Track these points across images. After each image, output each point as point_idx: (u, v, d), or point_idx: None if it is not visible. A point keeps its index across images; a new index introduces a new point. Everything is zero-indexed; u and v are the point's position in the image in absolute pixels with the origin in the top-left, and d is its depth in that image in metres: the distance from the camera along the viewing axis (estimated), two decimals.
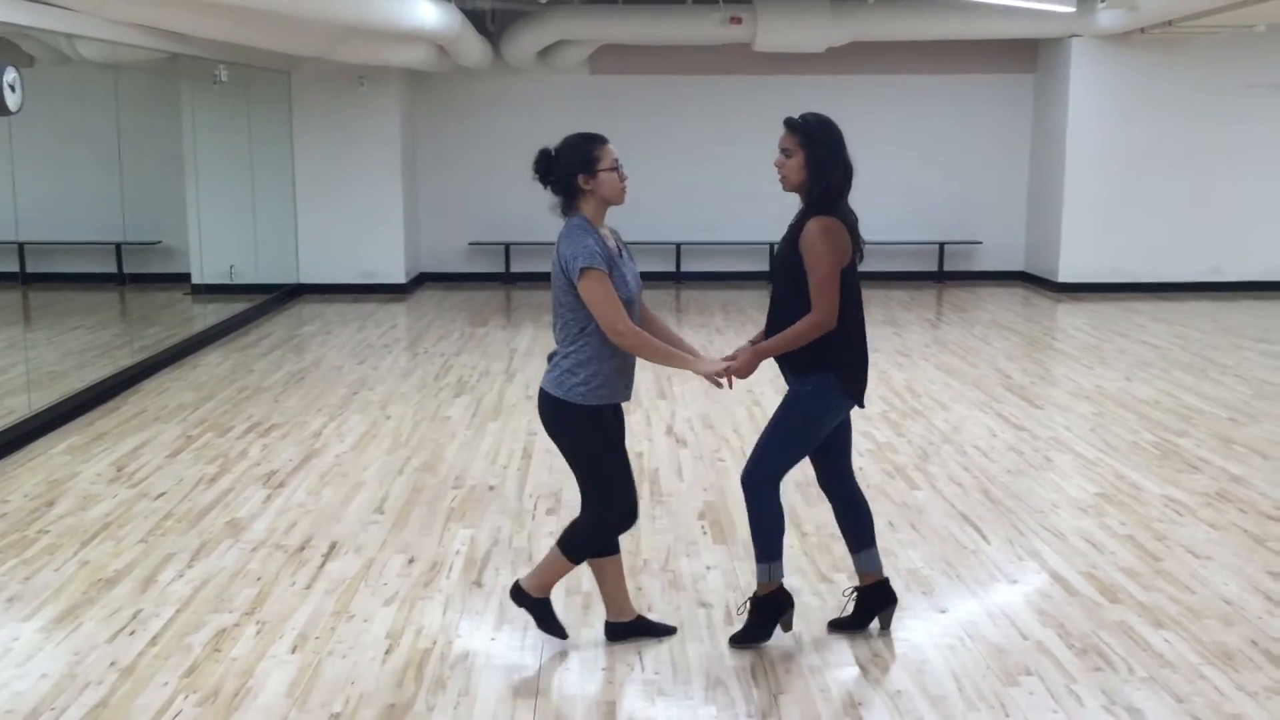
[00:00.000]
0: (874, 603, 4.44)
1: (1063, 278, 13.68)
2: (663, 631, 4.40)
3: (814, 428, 4.22)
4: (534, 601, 4.30)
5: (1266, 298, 13.31)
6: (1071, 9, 11.74)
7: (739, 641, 4.31)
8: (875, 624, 4.46)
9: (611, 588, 4.35)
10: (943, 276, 14.62)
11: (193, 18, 8.22)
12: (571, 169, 4.02)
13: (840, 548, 5.34)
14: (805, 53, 13.37)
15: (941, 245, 14.52)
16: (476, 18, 12.86)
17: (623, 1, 12.75)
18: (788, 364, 4.22)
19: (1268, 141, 13.52)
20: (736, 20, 12.69)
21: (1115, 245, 13.64)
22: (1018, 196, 14.62)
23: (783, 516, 4.30)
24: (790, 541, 5.13)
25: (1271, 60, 13.27)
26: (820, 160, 4.08)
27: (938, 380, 8.97)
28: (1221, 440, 7.23)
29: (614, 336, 3.97)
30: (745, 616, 4.35)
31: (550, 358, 4.15)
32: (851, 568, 4.55)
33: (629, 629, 4.36)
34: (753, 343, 4.29)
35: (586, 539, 4.22)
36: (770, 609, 4.31)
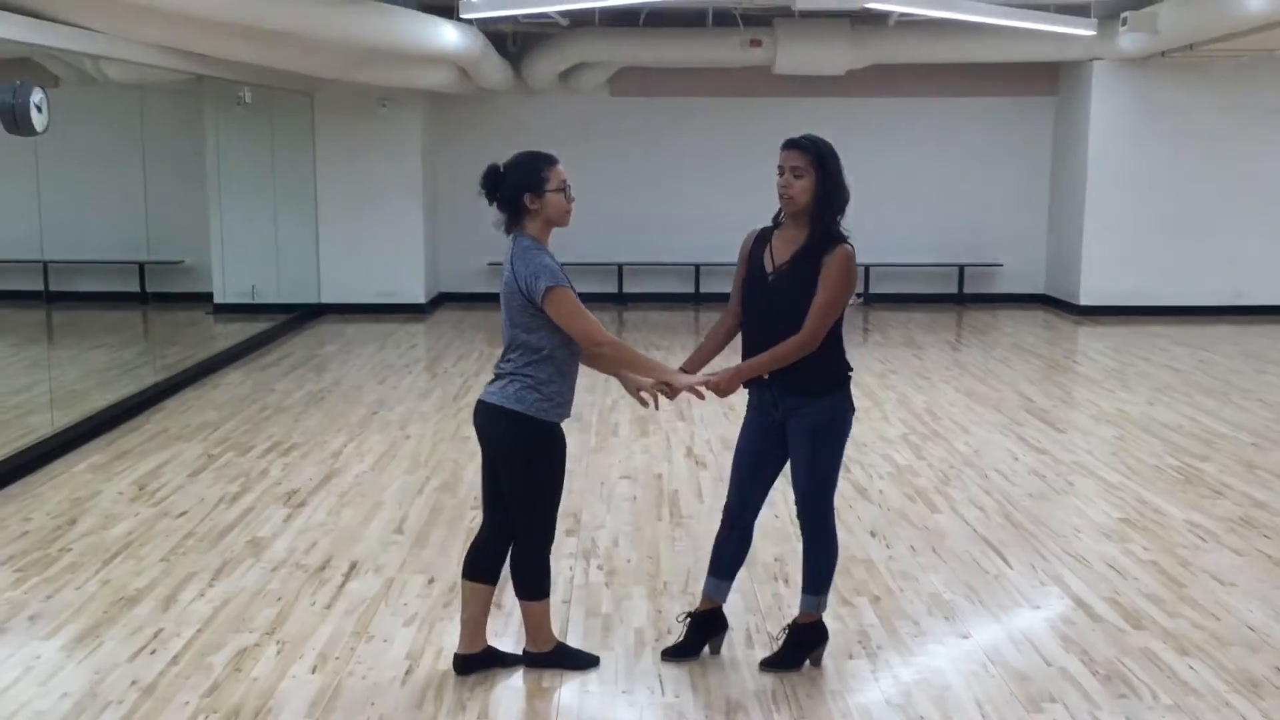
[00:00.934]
0: (710, 628, 4.44)
1: (1084, 300, 13.63)
2: (511, 661, 4.31)
3: (844, 444, 4.23)
4: (548, 655, 4.29)
5: None
6: (1092, 32, 11.71)
7: (775, 666, 4.30)
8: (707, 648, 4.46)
9: (473, 616, 4.25)
10: (963, 299, 14.58)
11: (217, 40, 8.29)
12: (519, 187, 3.97)
13: (861, 571, 5.33)
14: (825, 75, 13.39)
15: (962, 268, 14.49)
16: (498, 40, 12.93)
17: (643, 24, 12.80)
18: (791, 388, 4.12)
19: None
20: (757, 43, 12.72)
21: (1137, 268, 13.59)
22: (1038, 219, 14.59)
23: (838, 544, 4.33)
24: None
25: None
26: (831, 183, 4.06)
27: (958, 403, 8.94)
28: (1245, 465, 7.18)
29: (593, 348, 3.95)
30: (782, 641, 4.35)
31: (499, 376, 4.07)
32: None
33: (479, 661, 4.26)
34: (684, 369, 4.25)
35: (538, 568, 4.17)
36: (813, 638, 4.32)
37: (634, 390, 4.31)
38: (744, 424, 4.35)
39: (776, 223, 4.23)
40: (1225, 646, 4.53)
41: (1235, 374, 10.16)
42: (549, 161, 4.01)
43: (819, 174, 4.04)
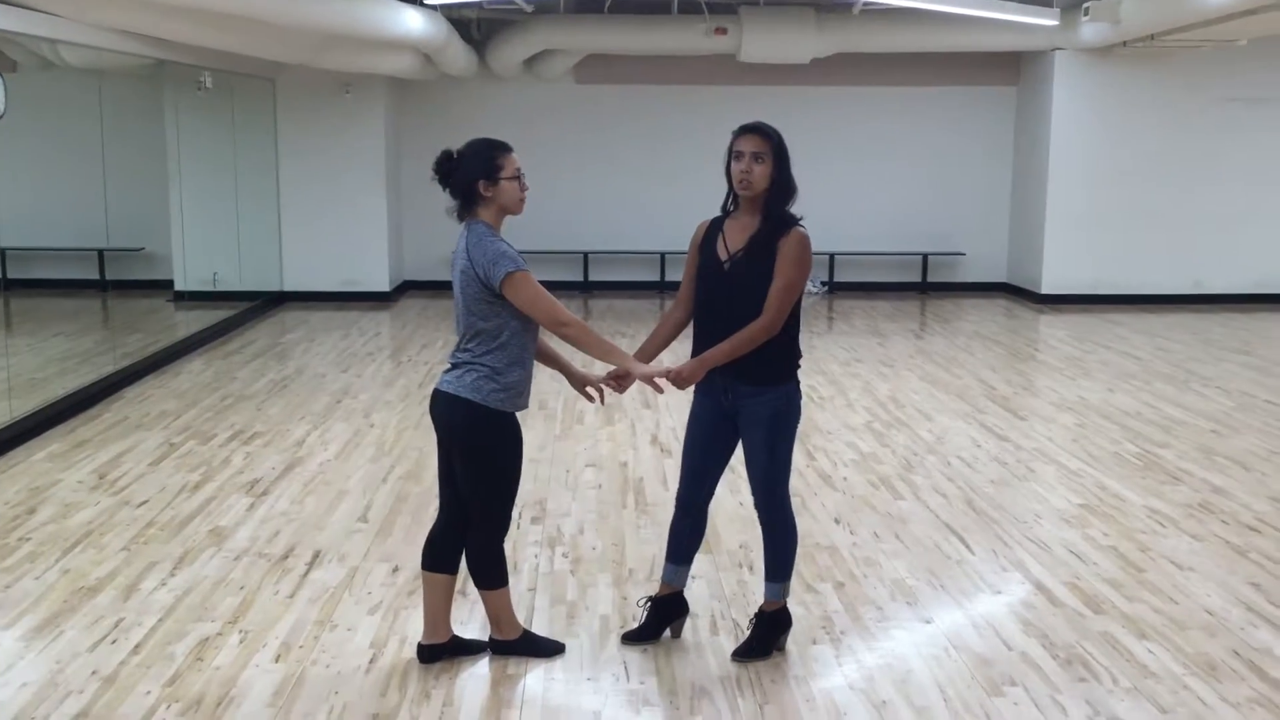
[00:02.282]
0: (670, 612, 4.46)
1: (1045, 289, 13.74)
2: (476, 649, 4.31)
3: (795, 432, 4.25)
4: (513, 642, 4.28)
5: (1247, 310, 13.40)
6: (1055, 22, 11.80)
7: (746, 656, 4.31)
8: (668, 632, 4.48)
9: (434, 606, 4.24)
10: (926, 287, 14.67)
11: (177, 24, 8.19)
12: (473, 174, 3.95)
13: (825, 557, 5.36)
14: (791, 64, 13.41)
15: (925, 256, 14.57)
16: (462, 26, 12.87)
17: (609, 11, 12.76)
18: (744, 376, 4.11)
19: (1248, 155, 13.62)
20: (722, 31, 12.72)
21: (1097, 257, 13.71)
22: (1001, 208, 14.69)
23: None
24: None
25: (1252, 75, 13.38)
26: (787, 170, 4.08)
27: (921, 391, 8.99)
28: (1203, 452, 7.26)
29: (557, 329, 3.94)
30: (752, 631, 4.37)
31: (455, 365, 4.06)
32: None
33: (444, 650, 4.26)
34: (639, 357, 4.23)
35: (494, 557, 4.16)
36: (781, 623, 4.36)
37: (580, 385, 4.33)
38: (692, 411, 4.34)
39: (726, 211, 4.24)
40: (1183, 630, 4.59)
41: (1194, 361, 10.28)
42: (503, 149, 3.99)
43: (776, 160, 4.05)
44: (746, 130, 4.08)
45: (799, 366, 4.22)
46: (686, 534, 4.42)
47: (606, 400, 4.41)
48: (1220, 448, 7.36)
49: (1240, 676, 4.18)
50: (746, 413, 4.16)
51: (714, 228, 4.24)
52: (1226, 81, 13.40)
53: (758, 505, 4.29)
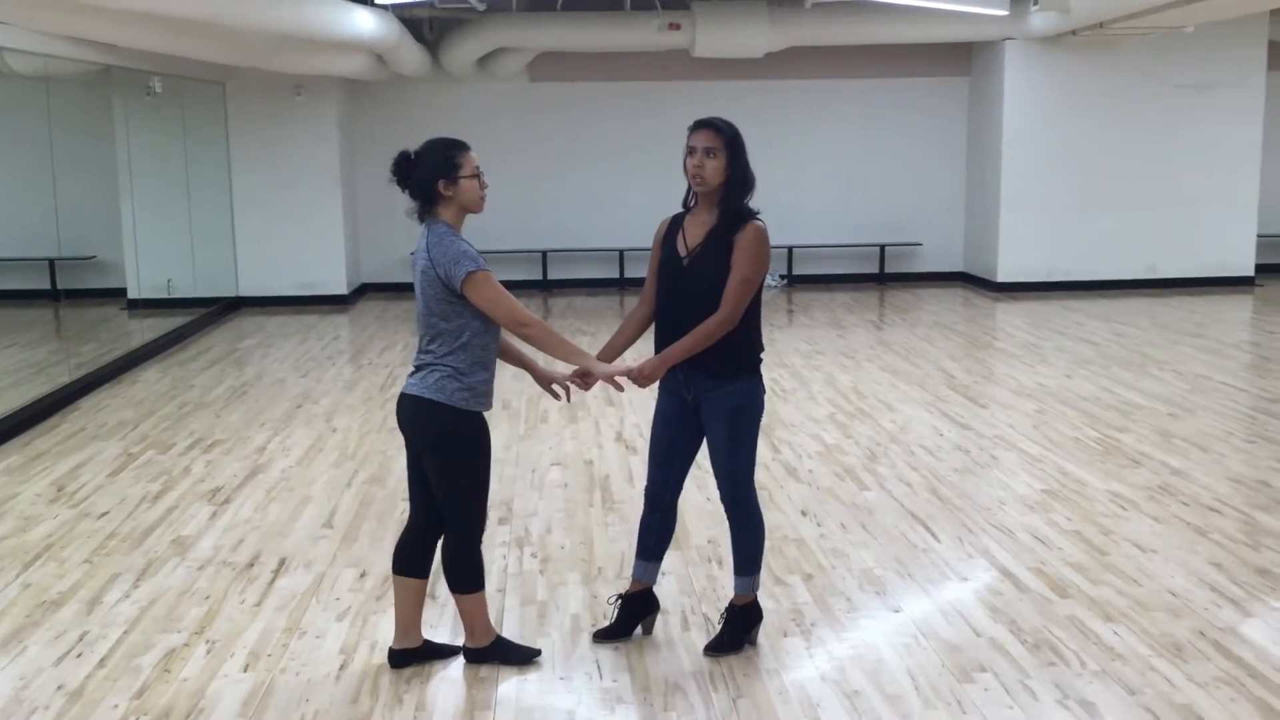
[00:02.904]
0: (641, 609, 4.47)
1: (1001, 277, 13.86)
2: (448, 653, 4.30)
3: (758, 425, 4.25)
4: (488, 648, 4.25)
5: (1201, 294, 13.58)
6: (1005, 12, 11.89)
7: (718, 650, 4.31)
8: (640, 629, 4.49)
9: (406, 610, 4.22)
10: (884, 278, 14.75)
11: (124, 29, 8.08)
12: (432, 174, 3.93)
13: (793, 550, 5.38)
14: (744, 58, 13.44)
15: (882, 247, 14.65)
16: (414, 26, 12.80)
17: (561, 8, 12.73)
18: (706, 370, 4.12)
19: (1198, 141, 13.79)
20: (675, 26, 12.72)
21: (1052, 245, 13.85)
22: (956, 198, 14.80)
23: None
24: None
25: (1200, 61, 13.55)
26: (742, 164, 4.08)
27: (883, 381, 9.04)
28: (1162, 435, 7.35)
29: (517, 329, 3.92)
30: (723, 625, 4.37)
31: (419, 368, 4.03)
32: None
33: (416, 655, 4.24)
34: (599, 359, 4.22)
35: (470, 561, 4.13)
36: (750, 618, 4.36)
37: (545, 384, 4.32)
38: (657, 407, 4.34)
39: (687, 207, 4.24)
40: (1148, 612, 4.64)
41: (1150, 346, 10.40)
42: (461, 148, 3.97)
43: (730, 154, 4.05)
44: (699, 125, 4.09)
45: (760, 360, 4.23)
46: (656, 530, 4.42)
47: (572, 398, 4.39)
48: (1178, 430, 7.45)
49: (1206, 656, 4.23)
50: (709, 407, 4.17)
51: (674, 224, 4.24)
52: (1175, 68, 13.57)
53: (724, 499, 4.29)
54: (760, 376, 4.23)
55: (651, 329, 4.30)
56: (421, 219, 4.02)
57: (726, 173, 4.05)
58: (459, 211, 4.00)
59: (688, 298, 4.11)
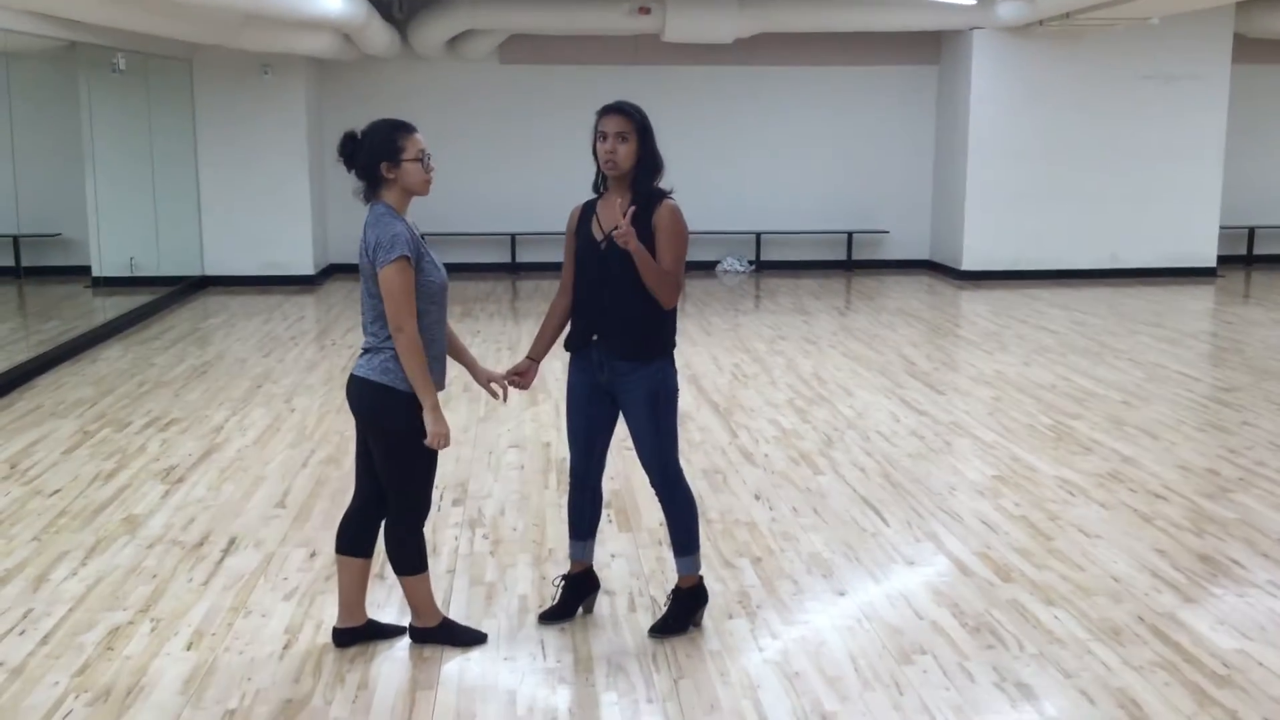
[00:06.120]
0: (583, 589, 4.52)
1: (966, 265, 13.94)
2: (393, 633, 4.31)
3: (676, 406, 4.31)
4: (434, 629, 4.25)
5: (1161, 283, 13.70)
6: (973, 1, 11.94)
7: (663, 632, 4.34)
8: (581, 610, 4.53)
9: (349, 590, 4.22)
10: (851, 265, 14.80)
11: (89, 4, 8.02)
12: (375, 156, 3.93)
13: (744, 533, 5.41)
14: (714, 43, 13.44)
15: (850, 234, 14.70)
16: (383, 5, 12.74)
17: None
18: (622, 353, 4.17)
19: (1162, 132, 13.90)
20: (645, 10, 12.71)
21: (1016, 233, 13.93)
22: (923, 186, 14.86)
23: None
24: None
25: (1165, 53, 13.65)
26: (652, 148, 4.13)
27: (844, 367, 9.09)
28: (1114, 422, 7.43)
29: (393, 331, 3.86)
30: (668, 607, 4.39)
31: (365, 349, 4.03)
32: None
33: (359, 634, 4.25)
34: (531, 358, 4.34)
35: (412, 543, 4.14)
36: (697, 598, 4.40)
37: (484, 381, 4.34)
38: (569, 387, 4.38)
39: (598, 191, 4.27)
40: (1090, 596, 4.70)
41: (1109, 334, 10.49)
42: (406, 130, 3.96)
43: (640, 139, 4.10)
44: (609, 110, 4.13)
45: (674, 344, 4.29)
46: (587, 509, 4.47)
47: (509, 398, 4.44)
48: (1130, 418, 7.53)
49: (1143, 640, 4.29)
50: (625, 392, 4.22)
51: (587, 210, 4.30)
52: (1140, 60, 13.66)
53: (654, 484, 4.35)
54: (673, 359, 4.29)
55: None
56: (367, 200, 4.02)
57: (637, 156, 4.10)
58: (402, 194, 3.99)
59: (606, 281, 4.17)
